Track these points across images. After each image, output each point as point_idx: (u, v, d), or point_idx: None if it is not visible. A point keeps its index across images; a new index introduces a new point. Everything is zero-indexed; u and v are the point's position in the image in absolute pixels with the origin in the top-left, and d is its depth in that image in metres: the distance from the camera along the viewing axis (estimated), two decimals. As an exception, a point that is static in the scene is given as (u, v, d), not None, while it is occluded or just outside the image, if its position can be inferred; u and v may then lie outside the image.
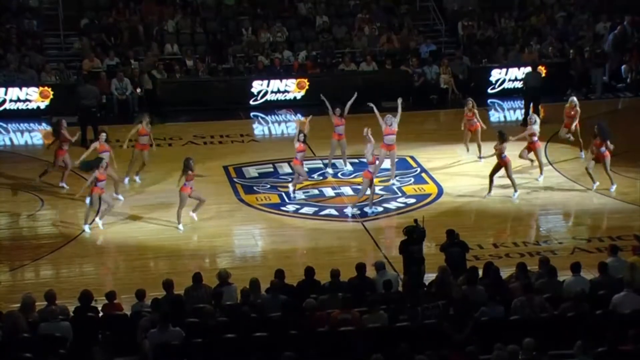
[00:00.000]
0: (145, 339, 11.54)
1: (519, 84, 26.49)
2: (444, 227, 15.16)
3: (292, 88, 26.03)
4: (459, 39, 28.66)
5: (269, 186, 19.77)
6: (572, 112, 20.81)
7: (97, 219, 17.53)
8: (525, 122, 21.80)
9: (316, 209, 18.62)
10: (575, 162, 20.80)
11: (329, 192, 19.49)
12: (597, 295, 12.68)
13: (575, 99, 21.22)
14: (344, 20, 28.84)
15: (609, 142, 18.81)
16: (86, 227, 17.43)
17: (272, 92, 25.93)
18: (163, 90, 25.54)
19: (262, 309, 12.35)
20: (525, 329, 11.52)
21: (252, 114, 25.41)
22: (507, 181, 18.99)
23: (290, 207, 18.70)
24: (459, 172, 20.56)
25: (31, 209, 18.65)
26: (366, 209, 18.35)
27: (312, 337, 11.70)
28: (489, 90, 26.89)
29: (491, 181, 18.89)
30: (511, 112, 26.10)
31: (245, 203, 18.97)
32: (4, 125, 24.22)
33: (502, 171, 18.79)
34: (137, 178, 19.85)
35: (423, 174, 20.46)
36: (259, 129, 24.77)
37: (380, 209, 18.46)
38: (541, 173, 19.92)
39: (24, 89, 24.77)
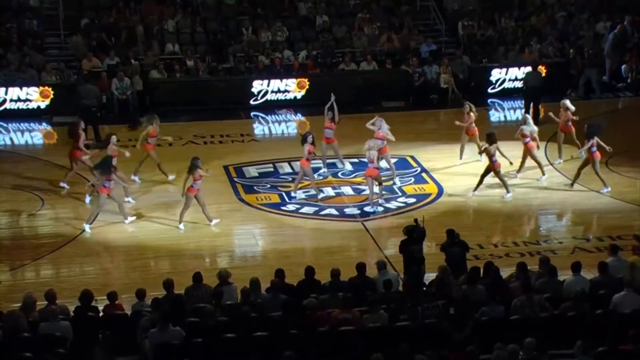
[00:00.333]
0: (145, 338, 11.55)
1: (519, 84, 26.47)
2: (444, 226, 15.17)
3: (292, 88, 26.02)
4: (459, 39, 28.64)
5: (269, 186, 19.77)
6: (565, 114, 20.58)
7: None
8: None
9: (316, 208, 18.62)
10: (575, 162, 20.76)
11: (329, 192, 19.49)
12: (597, 295, 12.69)
13: (567, 101, 20.86)
14: (344, 19, 28.83)
15: (599, 140, 18.60)
16: (87, 227, 17.44)
17: (272, 91, 25.92)
18: (163, 90, 25.55)
19: (262, 309, 12.36)
20: (525, 328, 11.53)
21: (252, 113, 25.40)
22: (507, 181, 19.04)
23: (291, 207, 18.70)
24: (459, 172, 20.53)
25: (31, 209, 18.66)
26: (367, 209, 18.37)
27: (313, 337, 11.71)
28: (489, 90, 26.88)
29: (480, 181, 18.84)
30: (511, 112, 26.09)
31: (245, 203, 18.97)
32: (5, 125, 24.23)
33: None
34: (136, 178, 19.84)
35: (423, 174, 20.46)
36: (259, 129, 24.77)
37: (380, 208, 18.47)
38: (543, 173, 19.85)
39: (25, 88, 24.78)
